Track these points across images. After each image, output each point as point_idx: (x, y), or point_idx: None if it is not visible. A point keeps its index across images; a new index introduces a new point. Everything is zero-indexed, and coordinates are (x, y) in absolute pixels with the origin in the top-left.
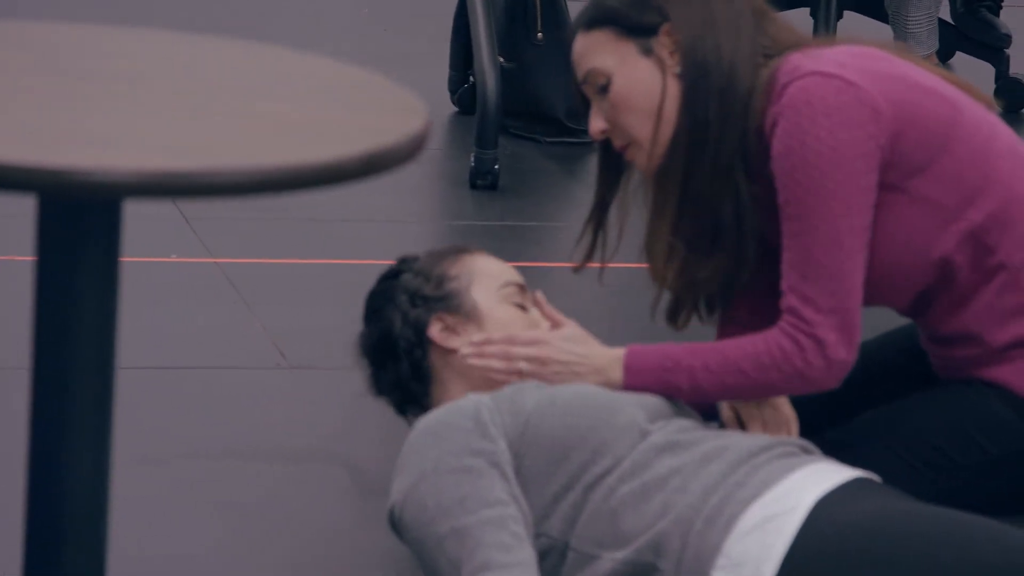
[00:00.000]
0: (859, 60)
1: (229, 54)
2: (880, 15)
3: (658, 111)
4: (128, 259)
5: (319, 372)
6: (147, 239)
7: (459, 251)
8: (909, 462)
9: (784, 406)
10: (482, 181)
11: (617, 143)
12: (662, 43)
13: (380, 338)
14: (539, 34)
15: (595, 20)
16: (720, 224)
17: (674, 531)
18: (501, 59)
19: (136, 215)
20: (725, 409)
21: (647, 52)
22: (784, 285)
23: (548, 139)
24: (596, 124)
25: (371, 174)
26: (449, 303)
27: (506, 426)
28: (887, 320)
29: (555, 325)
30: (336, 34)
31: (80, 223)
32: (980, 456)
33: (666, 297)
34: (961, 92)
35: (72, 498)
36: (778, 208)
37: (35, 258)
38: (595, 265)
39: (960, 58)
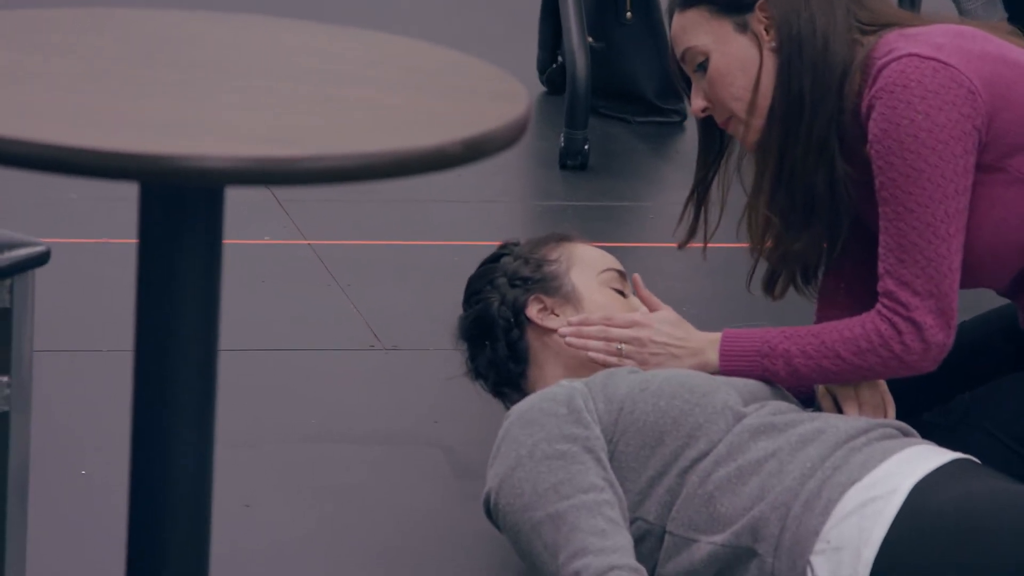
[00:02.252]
0: (956, 40)
1: (318, 38)
2: None
3: (755, 86)
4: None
5: (413, 353)
6: (240, 221)
7: (560, 238)
8: (1007, 444)
9: (881, 388)
10: (572, 161)
11: (719, 119)
12: (757, 19)
13: (478, 318)
14: (628, 14)
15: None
16: (814, 198)
17: (772, 515)
18: (590, 39)
19: (229, 197)
20: (821, 391)
21: (743, 28)
22: (881, 269)
23: (637, 119)
24: (697, 102)
25: (474, 159)
26: (548, 284)
27: (600, 412)
28: (986, 300)
29: (652, 308)
30: (420, 14)
31: (182, 210)
32: None
33: (762, 268)
34: None
35: (175, 482)
36: (875, 192)
37: (137, 244)
38: (696, 245)
39: None
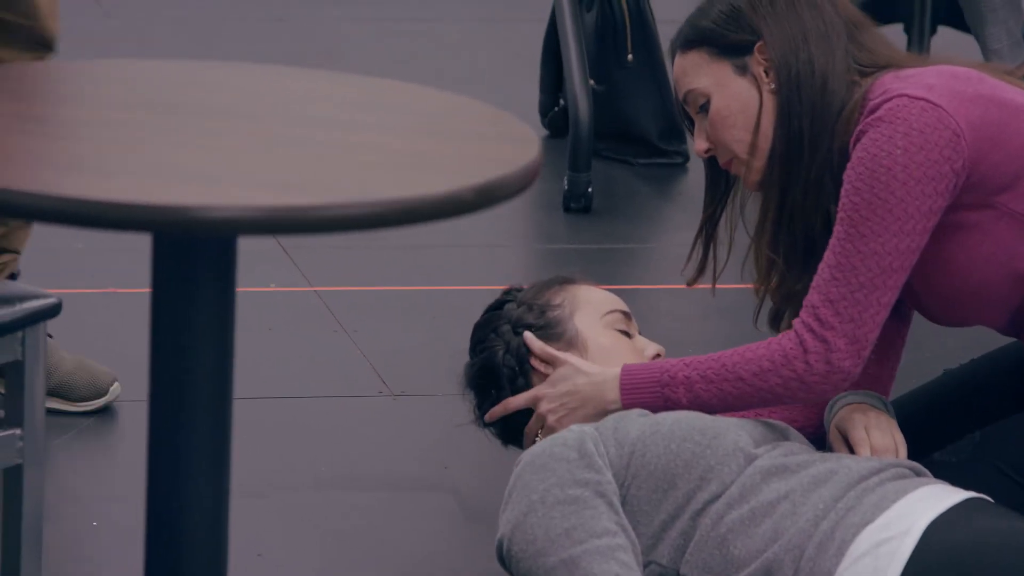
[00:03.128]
0: (948, 81)
1: (325, 85)
2: None
3: (755, 127)
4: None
5: (421, 399)
6: (246, 268)
7: (564, 281)
8: (1018, 481)
9: (893, 429)
10: (575, 204)
11: (721, 160)
12: (756, 61)
13: (483, 367)
14: (629, 56)
15: (690, 41)
16: (814, 239)
17: (785, 557)
18: (592, 81)
19: None
20: (833, 433)
21: (743, 71)
22: (813, 283)
23: (640, 161)
24: (700, 144)
25: (486, 206)
26: (551, 331)
27: (611, 456)
28: (994, 339)
29: (553, 363)
30: (418, 58)
31: (195, 260)
32: None
33: (768, 305)
34: None
35: (192, 532)
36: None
37: (151, 294)
38: (704, 286)
39: None
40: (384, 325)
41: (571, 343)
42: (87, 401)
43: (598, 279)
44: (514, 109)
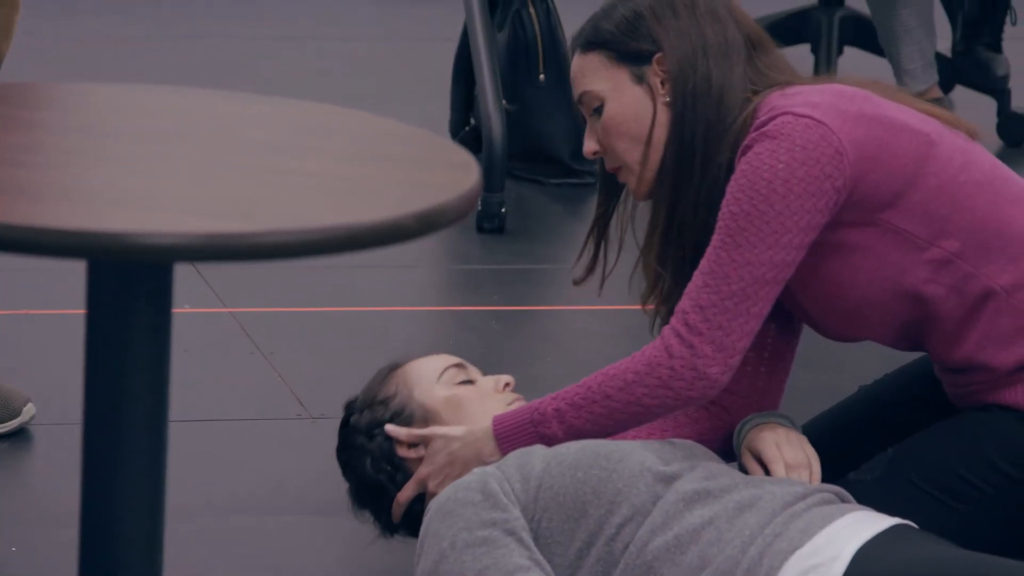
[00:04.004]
0: (833, 99)
1: (261, 110)
2: (880, 50)
3: (648, 138)
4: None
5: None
6: None
7: (390, 369)
8: (932, 494)
9: (803, 444)
10: (489, 224)
11: (609, 165)
12: (654, 71)
13: (360, 485)
14: (541, 76)
15: (591, 43)
16: (702, 254)
17: None
18: (504, 102)
19: None
20: (744, 453)
21: (639, 79)
22: (686, 290)
23: (552, 180)
24: (589, 145)
25: (427, 232)
26: (400, 417)
27: (517, 492)
28: (901, 354)
29: (422, 441)
30: (328, 77)
31: (131, 286)
32: (1003, 481)
33: (660, 322)
34: (941, 123)
35: (127, 554)
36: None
37: (86, 319)
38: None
39: (962, 90)
40: (301, 347)
41: (424, 419)
42: (1, 423)
43: (513, 300)
44: (425, 128)
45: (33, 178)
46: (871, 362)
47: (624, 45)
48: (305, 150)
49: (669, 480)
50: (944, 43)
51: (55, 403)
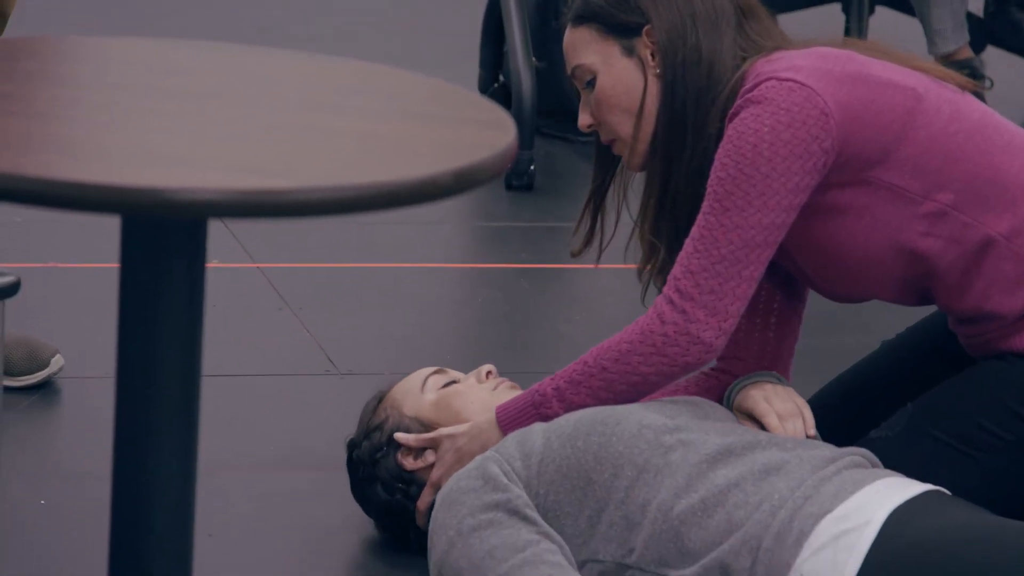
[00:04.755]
0: (816, 62)
1: (297, 67)
2: (911, 10)
3: (639, 110)
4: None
5: (368, 378)
6: None
7: (377, 398)
8: (953, 445)
9: (792, 395)
10: (518, 181)
11: (603, 138)
12: (644, 43)
13: (381, 512)
14: None
15: (581, 16)
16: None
17: (742, 548)
18: (533, 58)
19: None
20: (738, 415)
21: (629, 52)
22: (678, 257)
23: (581, 138)
24: (583, 118)
25: (464, 190)
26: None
27: (518, 470)
28: (922, 310)
29: (430, 444)
30: (353, 35)
31: (166, 242)
32: (1023, 427)
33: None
34: (928, 77)
35: (158, 510)
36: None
37: (120, 275)
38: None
39: (994, 51)
40: (329, 303)
41: (420, 430)
42: (28, 375)
43: (540, 257)
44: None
45: (69, 133)
46: (896, 321)
47: (613, 18)
48: (342, 108)
49: (672, 431)
50: (976, 4)
51: (86, 357)
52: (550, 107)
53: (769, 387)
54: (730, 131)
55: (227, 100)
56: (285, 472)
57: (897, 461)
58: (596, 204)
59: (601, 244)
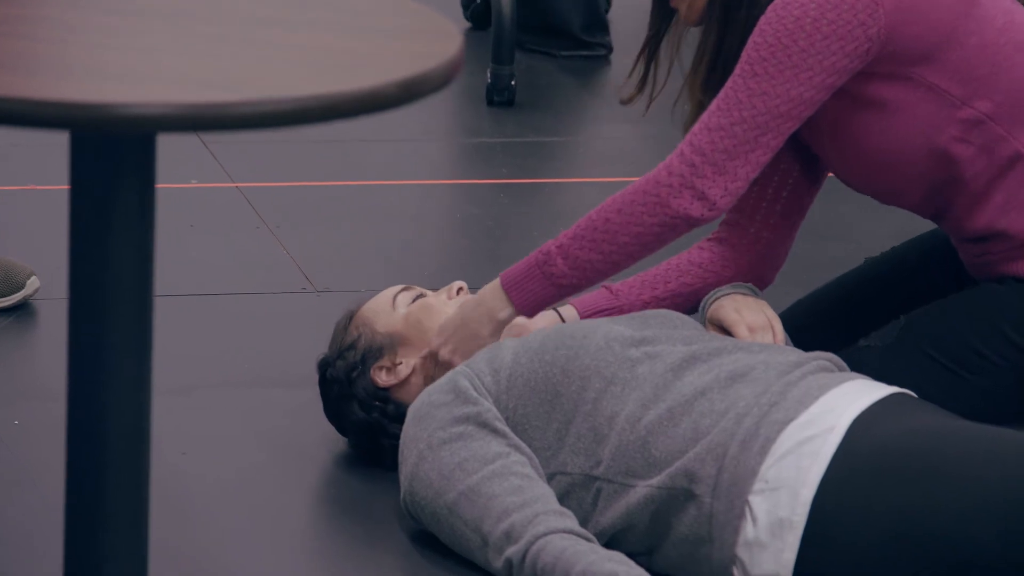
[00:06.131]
0: None
1: None
2: None
3: None
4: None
5: (345, 296)
6: (168, 165)
7: (348, 315)
8: (944, 364)
9: (763, 307)
10: (499, 97)
11: None
12: None
13: (358, 430)
14: None
15: None
16: None
17: (707, 456)
18: None
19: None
20: (710, 327)
21: None
22: (702, 114)
23: (563, 53)
24: None
25: (409, 101)
26: (372, 352)
27: (487, 384)
28: (914, 227)
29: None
30: None
31: (114, 157)
32: (1017, 355)
33: None
34: None
35: (114, 430)
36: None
37: (69, 193)
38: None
39: None
40: (307, 221)
41: (393, 346)
42: (3, 297)
43: (523, 173)
44: (436, 1)
45: (15, 48)
46: (882, 232)
47: None
48: (292, 23)
49: (639, 343)
50: None
51: (62, 279)
52: (532, 22)
53: (741, 299)
54: (777, 2)
55: (177, 17)
56: (260, 389)
57: (885, 372)
58: (649, 54)
59: (652, 94)
